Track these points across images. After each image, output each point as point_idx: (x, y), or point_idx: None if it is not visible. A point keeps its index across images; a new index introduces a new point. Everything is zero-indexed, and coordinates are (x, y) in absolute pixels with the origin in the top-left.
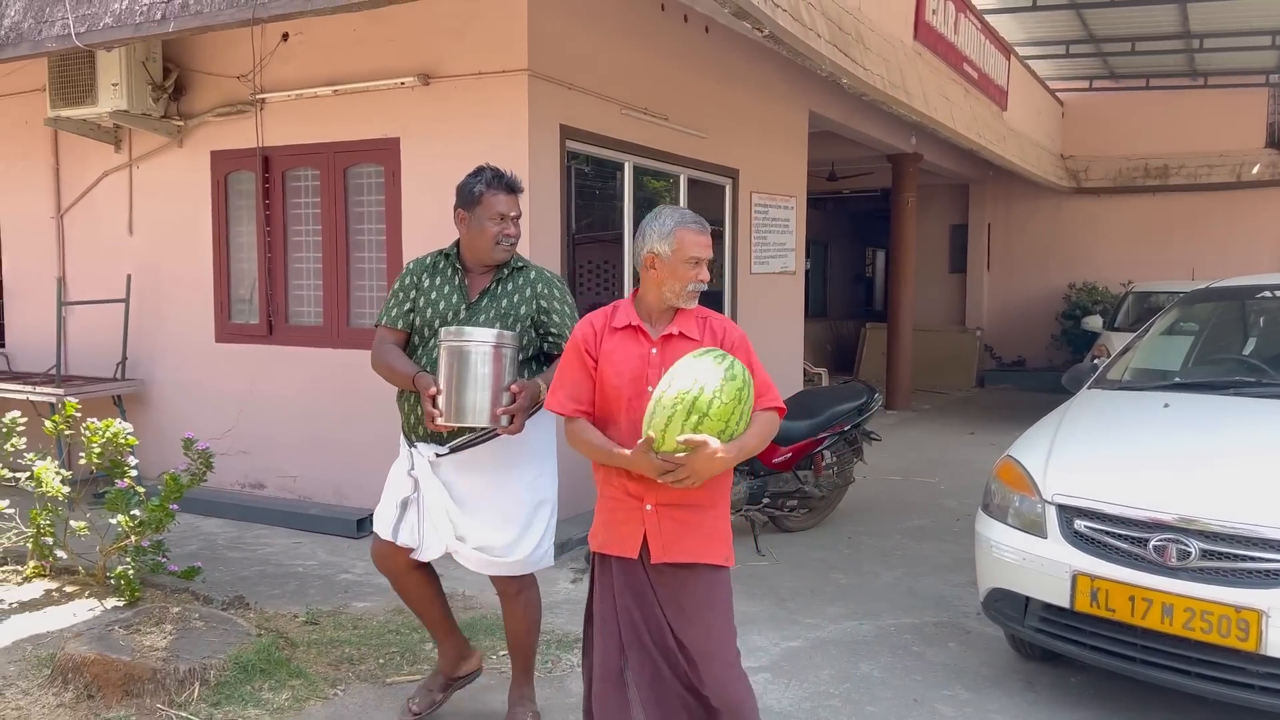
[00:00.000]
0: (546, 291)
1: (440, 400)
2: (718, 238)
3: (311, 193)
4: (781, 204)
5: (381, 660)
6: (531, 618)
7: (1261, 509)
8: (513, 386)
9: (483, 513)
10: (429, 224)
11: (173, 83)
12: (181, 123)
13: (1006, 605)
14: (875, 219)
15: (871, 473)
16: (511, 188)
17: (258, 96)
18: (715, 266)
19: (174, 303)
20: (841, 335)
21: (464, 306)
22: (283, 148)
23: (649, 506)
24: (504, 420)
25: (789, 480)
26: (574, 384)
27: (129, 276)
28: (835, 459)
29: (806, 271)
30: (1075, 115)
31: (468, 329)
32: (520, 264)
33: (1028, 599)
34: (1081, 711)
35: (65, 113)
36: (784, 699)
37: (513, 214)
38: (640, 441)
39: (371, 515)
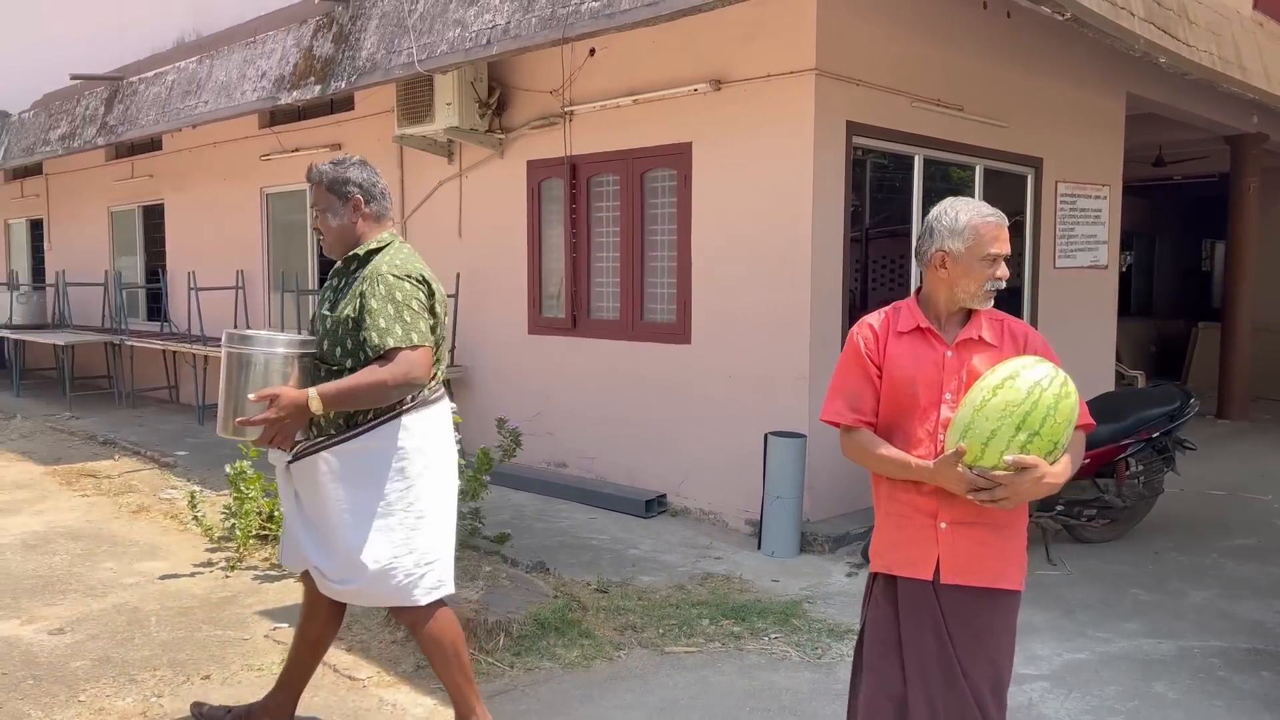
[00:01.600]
0: (369, 289)
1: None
2: (1017, 230)
3: (612, 196)
4: (1092, 194)
5: (661, 630)
6: (436, 652)
7: None
8: (256, 395)
9: (317, 529)
10: (716, 223)
11: (496, 100)
12: (503, 136)
13: None
14: (1212, 207)
15: (1188, 485)
16: (312, 180)
17: (567, 109)
18: (1014, 261)
19: (494, 298)
20: (1168, 336)
21: (323, 307)
22: (587, 155)
23: (943, 525)
24: (248, 431)
25: (1087, 488)
26: (854, 392)
27: (458, 275)
28: (1142, 467)
29: (1128, 266)
30: None
31: (240, 332)
32: (365, 252)
33: None
34: None
35: (409, 130)
36: (1061, 709)
37: (313, 206)
38: (949, 453)
39: (660, 497)
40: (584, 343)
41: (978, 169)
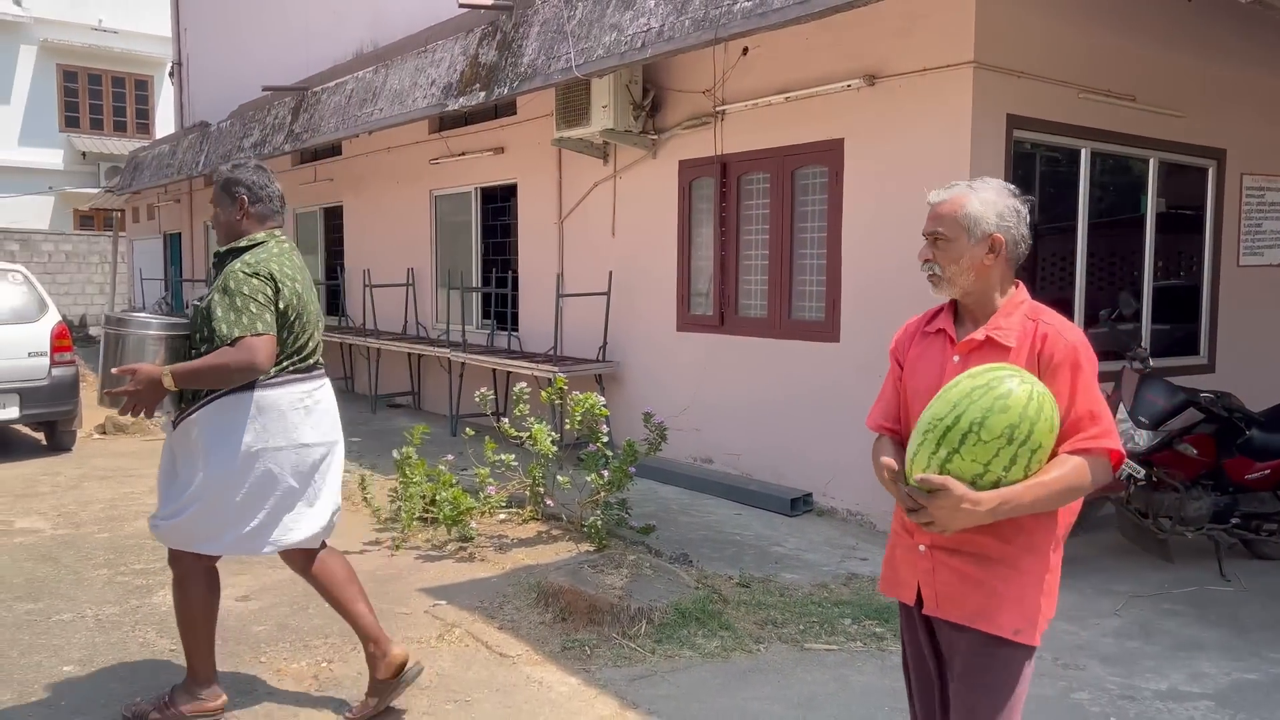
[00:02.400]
0: (220, 284)
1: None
2: (1193, 225)
3: (761, 195)
4: None
5: (801, 627)
6: (179, 597)
7: None
8: (118, 370)
9: (178, 480)
10: (867, 221)
11: (649, 101)
12: (655, 136)
13: None
14: None
15: None
16: (214, 179)
17: (718, 108)
18: (1191, 260)
19: (644, 296)
20: None
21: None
22: (738, 154)
23: (922, 547)
24: (113, 403)
25: (1268, 500)
26: (886, 398)
27: (610, 273)
28: None
29: None
30: None
31: (119, 315)
32: (228, 250)
33: None
34: None
35: (566, 133)
36: None
37: (210, 201)
38: (884, 468)
39: (806, 496)
40: (731, 340)
41: (1151, 162)
